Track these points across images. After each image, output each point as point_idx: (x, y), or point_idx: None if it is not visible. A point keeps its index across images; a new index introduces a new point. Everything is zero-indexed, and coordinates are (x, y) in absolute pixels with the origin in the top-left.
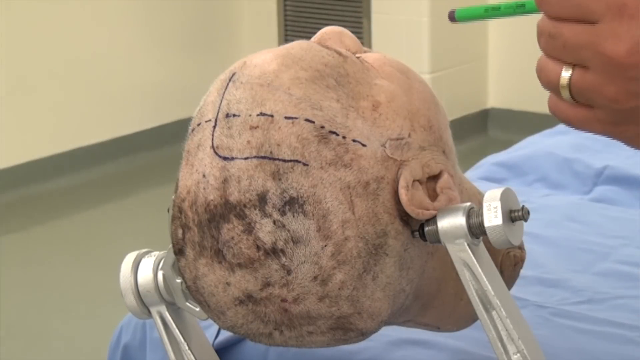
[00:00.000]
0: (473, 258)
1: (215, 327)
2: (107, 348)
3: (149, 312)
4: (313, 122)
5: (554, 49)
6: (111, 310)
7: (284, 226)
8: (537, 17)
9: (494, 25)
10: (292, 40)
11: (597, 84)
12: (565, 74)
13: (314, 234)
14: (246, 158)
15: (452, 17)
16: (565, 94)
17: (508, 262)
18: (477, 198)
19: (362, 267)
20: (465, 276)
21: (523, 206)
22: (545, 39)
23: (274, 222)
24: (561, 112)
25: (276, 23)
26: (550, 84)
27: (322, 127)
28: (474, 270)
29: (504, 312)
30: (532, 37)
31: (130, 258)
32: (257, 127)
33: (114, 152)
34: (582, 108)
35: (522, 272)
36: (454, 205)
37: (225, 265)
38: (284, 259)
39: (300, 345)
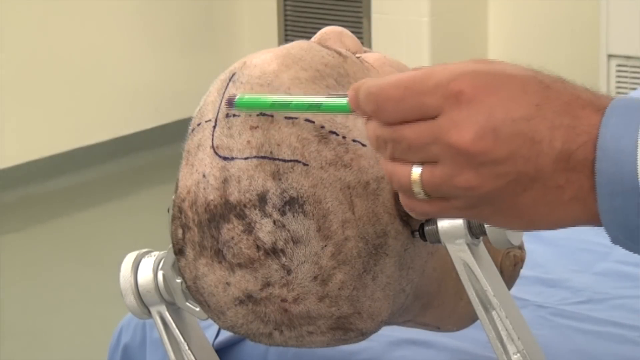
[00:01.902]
0: (473, 258)
1: (215, 327)
2: (107, 348)
3: (149, 312)
4: (313, 122)
5: (400, 153)
6: (111, 310)
7: (284, 226)
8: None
9: (494, 26)
10: (292, 40)
11: (448, 177)
12: (415, 172)
13: (314, 234)
14: (246, 158)
15: (231, 104)
16: (419, 192)
17: (508, 262)
18: None
19: (362, 267)
20: (465, 276)
21: None
22: (388, 145)
23: (274, 222)
24: (418, 209)
25: (276, 23)
26: (403, 186)
27: (322, 127)
28: (474, 270)
29: (503, 312)
30: (532, 38)
31: (130, 258)
32: (257, 127)
33: (114, 152)
34: (438, 201)
35: (522, 272)
36: None
37: (225, 265)
38: (284, 259)
39: (300, 345)
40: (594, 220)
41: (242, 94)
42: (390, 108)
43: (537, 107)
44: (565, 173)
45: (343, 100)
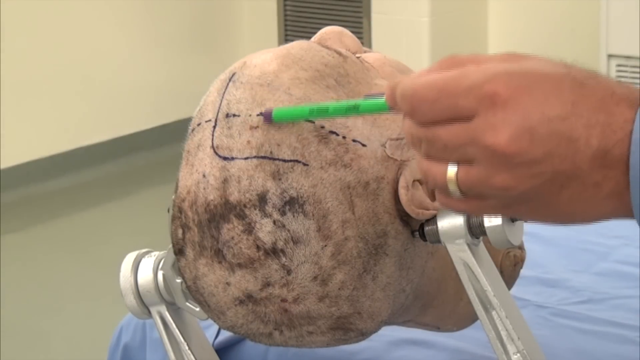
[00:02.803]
0: (473, 258)
1: (215, 327)
2: (107, 348)
3: (149, 312)
4: (313, 122)
5: (435, 152)
6: (111, 310)
7: (284, 226)
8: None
9: (494, 26)
10: (292, 40)
11: (485, 177)
12: (451, 171)
13: (314, 234)
14: (246, 158)
15: (269, 118)
16: (455, 191)
17: (508, 262)
18: None
19: (362, 267)
20: (465, 276)
21: None
22: (423, 145)
23: (274, 222)
24: (454, 207)
25: (276, 23)
26: (439, 184)
27: (322, 127)
28: (474, 270)
29: (503, 312)
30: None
31: (130, 258)
32: (257, 127)
33: (114, 152)
34: (474, 200)
35: (522, 272)
36: None
37: (225, 265)
38: (284, 259)
39: (300, 345)
40: (630, 213)
41: (278, 108)
42: (425, 109)
43: (573, 105)
44: (602, 170)
45: (380, 100)
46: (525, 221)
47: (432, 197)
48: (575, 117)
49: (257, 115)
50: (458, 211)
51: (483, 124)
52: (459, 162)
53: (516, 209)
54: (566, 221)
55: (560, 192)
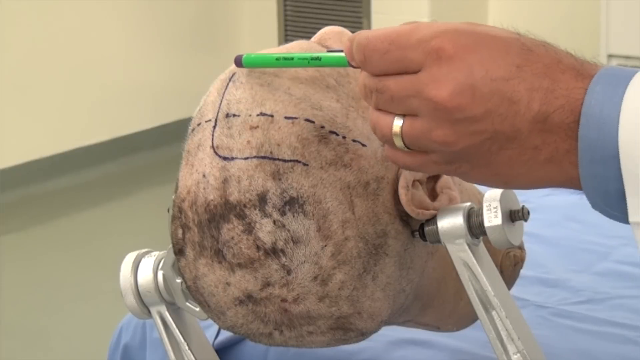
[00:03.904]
0: (473, 258)
1: (215, 327)
2: (107, 348)
3: (149, 312)
4: (313, 122)
5: (383, 103)
6: (111, 310)
7: (284, 226)
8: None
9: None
10: (292, 40)
11: (426, 130)
12: (397, 124)
13: (314, 234)
14: (246, 158)
15: (239, 63)
16: (399, 143)
17: (508, 262)
18: (477, 198)
19: (362, 267)
20: (465, 276)
21: (523, 206)
22: (373, 95)
23: (274, 222)
24: (399, 161)
25: (276, 23)
26: (385, 136)
27: (322, 127)
28: (474, 270)
29: (503, 312)
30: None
31: (130, 258)
32: (257, 127)
33: (114, 152)
34: (418, 154)
35: (522, 272)
36: (454, 205)
37: (225, 265)
38: (284, 259)
39: (300, 345)
40: (569, 183)
41: (248, 54)
42: (376, 59)
43: (517, 69)
44: (542, 134)
45: (340, 55)
46: (468, 181)
47: (432, 197)
48: (519, 80)
49: (257, 115)
50: (403, 165)
51: (428, 77)
52: (405, 115)
53: (458, 167)
54: (507, 184)
55: (499, 152)
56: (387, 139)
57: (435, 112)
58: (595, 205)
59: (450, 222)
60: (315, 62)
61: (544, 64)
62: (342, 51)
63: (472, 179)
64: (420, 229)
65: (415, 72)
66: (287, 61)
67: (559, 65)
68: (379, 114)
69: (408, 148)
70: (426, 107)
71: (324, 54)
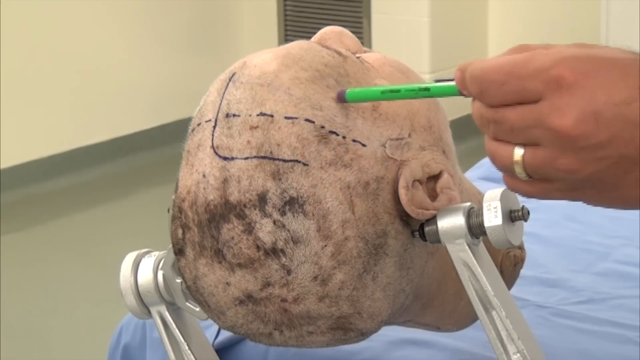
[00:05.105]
0: (473, 258)
1: (215, 327)
2: (107, 348)
3: (149, 312)
4: (313, 122)
5: (502, 134)
6: (111, 310)
7: (284, 226)
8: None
9: (493, 25)
10: (292, 40)
11: (550, 160)
12: (518, 154)
13: (314, 234)
14: (246, 158)
15: (342, 98)
16: (521, 173)
17: (508, 262)
18: (477, 198)
19: (362, 267)
20: (465, 276)
21: (523, 206)
22: (491, 126)
23: (274, 222)
24: (520, 190)
25: (276, 23)
26: (505, 166)
27: (322, 127)
28: (474, 270)
29: (504, 312)
30: (532, 38)
31: (130, 258)
32: (257, 127)
33: (114, 152)
34: (540, 183)
35: (522, 272)
36: (454, 205)
37: (225, 265)
38: (284, 259)
39: (300, 345)
40: None
41: (351, 89)
42: (493, 91)
43: (638, 90)
44: None
45: (450, 84)
46: (592, 205)
47: (432, 197)
48: None
49: (257, 115)
50: (524, 194)
51: (549, 106)
52: (525, 145)
53: (581, 193)
54: (631, 206)
55: (624, 176)
56: (506, 169)
57: (559, 140)
58: None
59: (450, 222)
60: (423, 92)
61: None
62: (451, 80)
63: (597, 203)
64: (420, 229)
65: (535, 101)
66: (393, 94)
67: None
68: (497, 144)
69: (529, 177)
70: (549, 137)
71: (433, 84)
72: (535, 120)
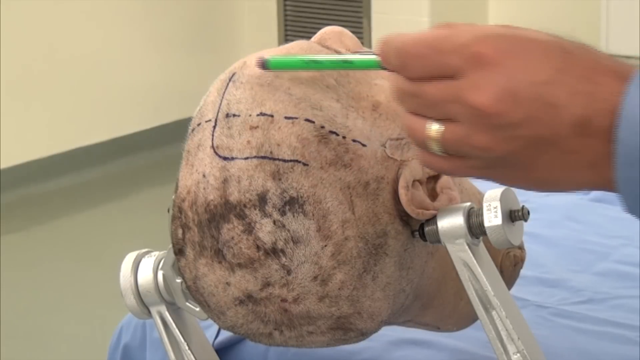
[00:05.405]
0: (473, 258)
1: (215, 327)
2: (107, 348)
3: (149, 312)
4: (313, 122)
5: (419, 108)
6: (111, 310)
7: (284, 226)
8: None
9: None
10: (292, 40)
11: (466, 136)
12: (433, 128)
13: (314, 234)
14: (246, 158)
15: (263, 65)
16: (436, 148)
17: (508, 262)
18: (477, 198)
19: (362, 267)
20: (465, 276)
21: (523, 206)
22: (409, 100)
23: (274, 222)
24: (435, 165)
25: (276, 23)
26: (419, 139)
27: (322, 127)
28: (474, 270)
29: (504, 312)
30: None
31: (130, 258)
32: (257, 127)
33: (114, 152)
34: (455, 159)
35: (522, 272)
36: (454, 205)
37: (225, 265)
38: (284, 259)
39: (300, 345)
40: (606, 186)
41: (273, 56)
42: (414, 64)
43: (558, 72)
44: (582, 139)
45: (372, 57)
46: (506, 185)
47: (432, 197)
48: (560, 84)
49: (257, 115)
50: (439, 170)
51: (468, 82)
52: (442, 120)
53: (496, 172)
54: (545, 188)
55: (538, 157)
56: (421, 143)
57: (476, 118)
58: (631, 210)
59: (450, 222)
60: (346, 64)
61: (585, 67)
62: (372, 53)
63: (510, 183)
64: (420, 229)
65: (454, 77)
66: (316, 64)
67: (599, 67)
68: (413, 117)
69: (444, 153)
70: (466, 113)
71: (355, 56)
72: (453, 96)
